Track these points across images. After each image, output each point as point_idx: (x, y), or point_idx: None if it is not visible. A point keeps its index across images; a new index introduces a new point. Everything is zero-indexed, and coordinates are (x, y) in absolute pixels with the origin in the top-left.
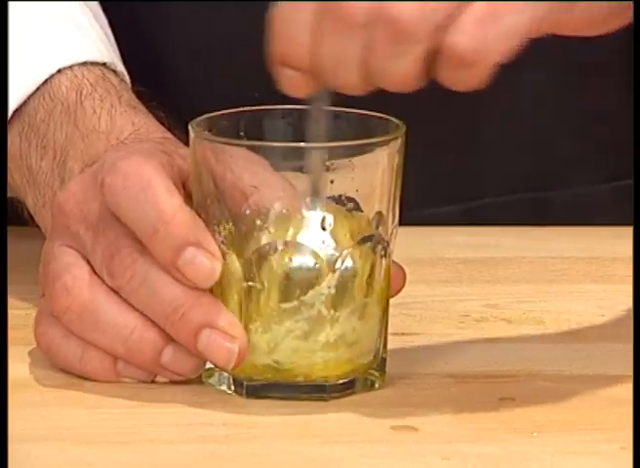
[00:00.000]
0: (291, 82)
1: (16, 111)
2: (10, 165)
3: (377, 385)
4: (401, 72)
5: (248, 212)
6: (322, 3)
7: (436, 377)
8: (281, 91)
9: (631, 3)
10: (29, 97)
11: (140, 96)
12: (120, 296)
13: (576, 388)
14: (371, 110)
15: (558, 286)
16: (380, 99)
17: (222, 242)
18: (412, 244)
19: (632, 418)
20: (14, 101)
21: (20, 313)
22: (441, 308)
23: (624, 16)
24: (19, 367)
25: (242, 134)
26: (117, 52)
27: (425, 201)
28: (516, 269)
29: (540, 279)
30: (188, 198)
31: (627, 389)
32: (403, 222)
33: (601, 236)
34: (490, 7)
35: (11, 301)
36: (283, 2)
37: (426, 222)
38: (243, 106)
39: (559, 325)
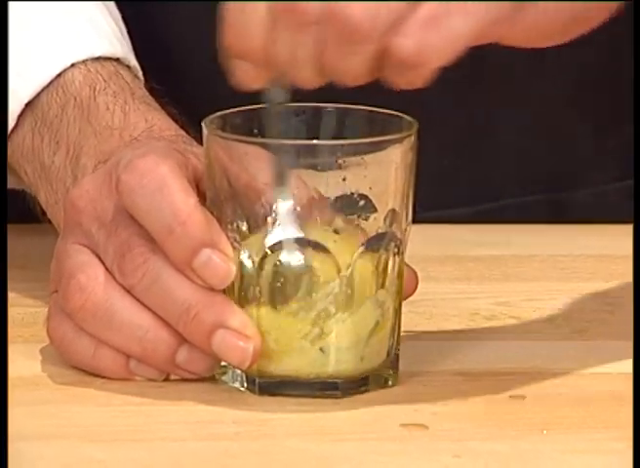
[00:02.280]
0: (244, 75)
1: (28, 105)
2: (21, 159)
3: (390, 383)
4: (352, 69)
5: (261, 210)
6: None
7: (446, 375)
8: (234, 83)
9: (594, 6)
10: (42, 91)
11: (152, 92)
12: (134, 296)
13: (585, 386)
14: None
15: (568, 284)
16: (394, 99)
17: (235, 239)
18: (422, 241)
19: (632, 416)
20: (26, 95)
21: (30, 311)
22: (451, 306)
23: (584, 23)
24: (28, 364)
25: (256, 131)
26: (130, 47)
27: (440, 202)
28: (526, 267)
29: (551, 277)
30: (202, 198)
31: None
32: (415, 223)
33: (612, 234)
34: (435, 11)
35: (21, 299)
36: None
37: (442, 223)
38: (256, 104)
39: (569, 322)
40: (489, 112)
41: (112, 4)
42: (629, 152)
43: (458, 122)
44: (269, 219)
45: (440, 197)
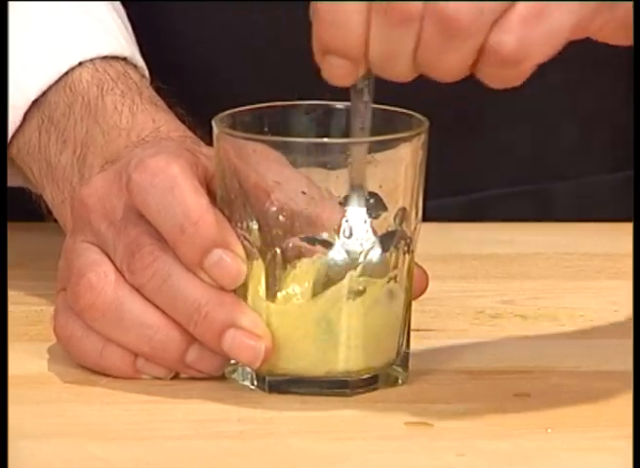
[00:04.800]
0: (336, 70)
1: (35, 103)
2: (27, 158)
3: (400, 381)
4: (450, 66)
5: (273, 208)
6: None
7: (451, 373)
8: (324, 79)
9: None
10: (49, 90)
11: (159, 92)
12: (143, 295)
13: (590, 384)
14: (375, 102)
15: (573, 282)
16: (384, 90)
17: (246, 238)
18: (426, 240)
19: (632, 415)
20: (33, 92)
21: (35, 309)
22: (456, 304)
23: None
24: (34, 363)
25: (266, 129)
26: (137, 46)
27: (428, 193)
28: (531, 265)
29: (556, 275)
30: (212, 198)
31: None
32: None
33: (617, 233)
34: (536, 6)
35: (26, 297)
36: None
37: (429, 214)
38: (267, 102)
39: (574, 321)
40: (476, 104)
41: (118, 2)
42: (617, 145)
43: (445, 114)
44: (280, 218)
45: (427, 188)
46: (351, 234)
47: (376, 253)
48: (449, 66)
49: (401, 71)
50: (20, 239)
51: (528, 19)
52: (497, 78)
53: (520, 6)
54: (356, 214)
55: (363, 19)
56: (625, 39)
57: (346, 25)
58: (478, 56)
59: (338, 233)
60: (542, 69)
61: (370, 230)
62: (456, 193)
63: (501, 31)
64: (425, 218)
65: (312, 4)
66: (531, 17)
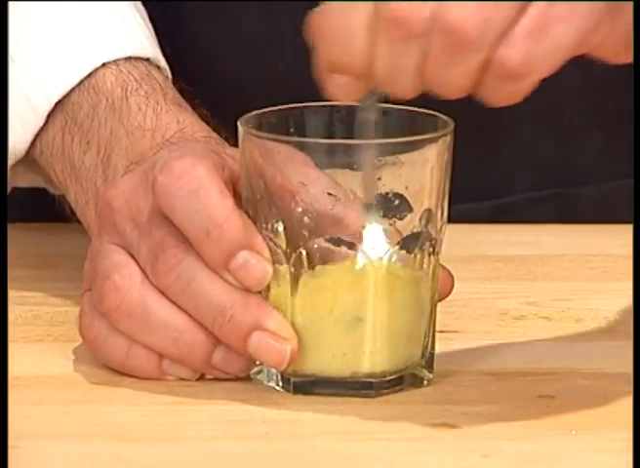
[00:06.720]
0: (340, 88)
1: (58, 104)
2: (50, 159)
3: (425, 382)
4: (455, 81)
5: (298, 209)
6: (376, 6)
7: (475, 375)
8: (329, 97)
9: None
10: (72, 90)
11: (182, 93)
12: (168, 297)
13: (615, 386)
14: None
15: (597, 283)
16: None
17: (271, 239)
18: (451, 241)
19: (632, 416)
20: (56, 94)
21: (59, 310)
22: (480, 306)
23: None
24: (59, 363)
25: (292, 130)
26: (159, 47)
27: (452, 199)
28: (555, 267)
29: (580, 276)
30: (238, 199)
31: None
32: None
33: None
34: (540, 21)
35: (50, 298)
36: (330, 4)
37: (454, 219)
38: (291, 103)
39: (598, 322)
40: (499, 109)
41: (139, 3)
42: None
43: (468, 119)
44: (306, 219)
45: (452, 192)
46: (376, 235)
47: (400, 255)
48: (454, 81)
49: (406, 87)
50: (44, 240)
51: (532, 34)
52: (500, 94)
53: (524, 20)
54: (379, 215)
55: (367, 35)
56: (625, 56)
57: (349, 43)
58: (482, 71)
59: (362, 234)
60: (565, 73)
61: (394, 232)
62: (480, 199)
63: (507, 45)
64: (450, 223)
65: (313, 21)
66: (535, 31)
